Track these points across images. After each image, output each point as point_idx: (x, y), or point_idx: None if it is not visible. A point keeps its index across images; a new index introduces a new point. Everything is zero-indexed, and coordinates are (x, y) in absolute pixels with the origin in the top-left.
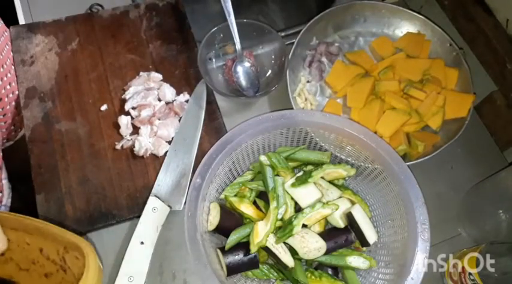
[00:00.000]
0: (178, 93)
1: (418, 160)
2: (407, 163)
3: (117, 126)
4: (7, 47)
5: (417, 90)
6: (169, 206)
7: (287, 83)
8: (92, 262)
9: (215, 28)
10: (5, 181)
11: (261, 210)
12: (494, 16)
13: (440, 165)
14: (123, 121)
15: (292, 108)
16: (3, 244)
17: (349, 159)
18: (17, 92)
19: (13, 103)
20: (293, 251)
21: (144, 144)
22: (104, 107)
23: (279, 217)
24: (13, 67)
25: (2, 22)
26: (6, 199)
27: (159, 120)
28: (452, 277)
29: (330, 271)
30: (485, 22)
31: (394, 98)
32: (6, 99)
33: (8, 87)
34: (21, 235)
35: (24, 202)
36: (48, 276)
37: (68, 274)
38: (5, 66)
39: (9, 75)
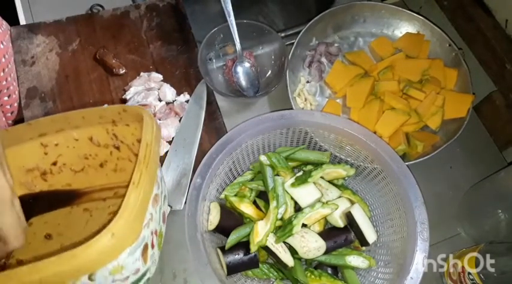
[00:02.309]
0: (178, 94)
1: (418, 160)
2: (407, 163)
3: None
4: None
5: (416, 90)
6: (169, 205)
7: (287, 83)
8: (146, 114)
9: (215, 29)
10: None
11: (261, 209)
12: (494, 16)
13: (439, 164)
14: None
15: (292, 108)
16: (18, 242)
17: (348, 159)
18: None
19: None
20: (293, 251)
21: None
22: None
23: (279, 216)
24: None
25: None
26: None
27: (160, 120)
28: (451, 277)
29: (329, 271)
30: (485, 22)
31: (394, 98)
32: (14, 96)
33: (14, 83)
34: (68, 133)
35: None
36: (104, 165)
37: (122, 150)
38: (10, 63)
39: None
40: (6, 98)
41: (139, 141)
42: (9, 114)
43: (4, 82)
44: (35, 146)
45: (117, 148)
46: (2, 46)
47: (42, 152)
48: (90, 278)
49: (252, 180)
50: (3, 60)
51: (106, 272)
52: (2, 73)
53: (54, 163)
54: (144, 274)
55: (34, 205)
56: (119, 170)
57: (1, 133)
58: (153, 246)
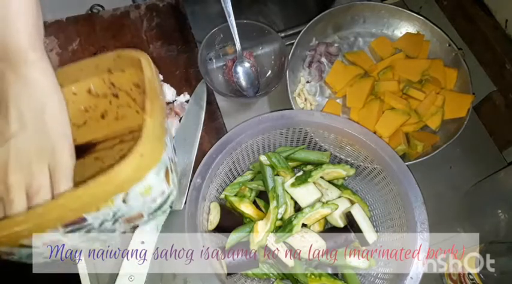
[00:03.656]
0: (178, 94)
1: (417, 160)
2: (407, 163)
3: None
4: None
5: (416, 90)
6: (169, 206)
7: (287, 83)
8: (142, 56)
9: (215, 29)
10: None
11: (261, 209)
12: (494, 16)
13: (439, 164)
14: None
15: (292, 108)
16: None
17: (348, 159)
18: None
19: None
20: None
21: None
22: None
23: (279, 216)
24: None
25: None
26: None
27: None
28: (451, 277)
29: (329, 271)
30: (485, 22)
31: (394, 98)
32: None
33: None
34: (67, 89)
35: None
36: (105, 116)
37: (120, 98)
38: None
39: None
40: None
41: (136, 85)
42: None
43: None
44: None
45: (116, 96)
46: None
47: None
48: (124, 201)
49: (252, 180)
50: None
51: (138, 194)
52: None
53: None
54: (168, 196)
55: None
56: (120, 118)
57: None
58: (171, 171)
